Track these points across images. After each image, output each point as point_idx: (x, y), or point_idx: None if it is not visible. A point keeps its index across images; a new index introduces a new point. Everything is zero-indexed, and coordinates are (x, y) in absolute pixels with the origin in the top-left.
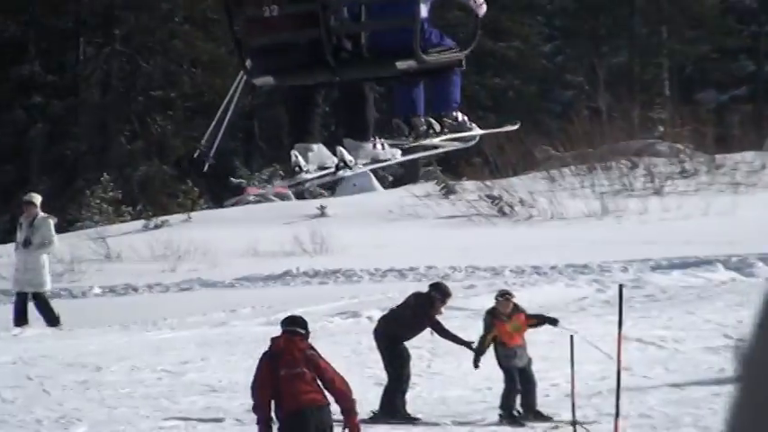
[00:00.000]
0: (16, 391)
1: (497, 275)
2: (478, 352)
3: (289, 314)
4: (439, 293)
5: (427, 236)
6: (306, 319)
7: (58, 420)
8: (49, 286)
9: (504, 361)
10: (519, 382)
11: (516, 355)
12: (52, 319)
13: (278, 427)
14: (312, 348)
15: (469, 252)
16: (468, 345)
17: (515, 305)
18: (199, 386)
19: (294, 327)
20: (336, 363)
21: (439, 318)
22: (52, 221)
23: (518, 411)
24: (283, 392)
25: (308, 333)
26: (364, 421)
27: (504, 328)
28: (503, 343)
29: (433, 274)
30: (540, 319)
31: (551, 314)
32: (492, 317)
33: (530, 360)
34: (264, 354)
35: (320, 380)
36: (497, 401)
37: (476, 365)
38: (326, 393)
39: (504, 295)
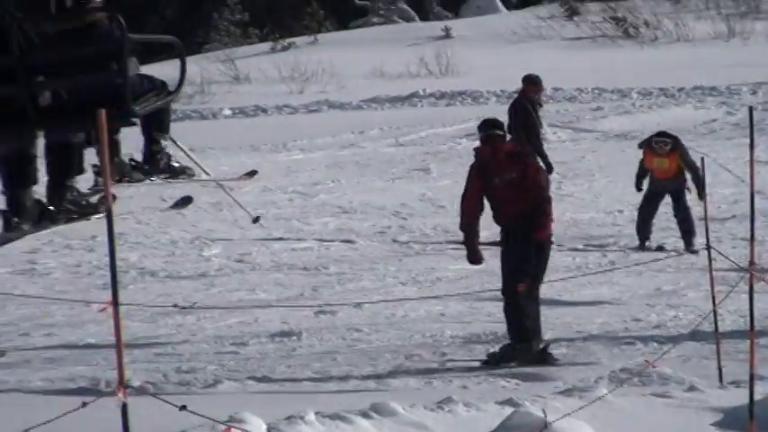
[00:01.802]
0: (151, 212)
1: (624, 97)
2: (638, 175)
3: (484, 118)
4: (525, 81)
5: (552, 58)
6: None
7: (193, 241)
8: None
9: (647, 189)
10: (674, 211)
11: (659, 188)
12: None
13: (500, 234)
14: (515, 147)
15: (595, 74)
16: (549, 166)
17: (675, 146)
18: (330, 207)
19: (494, 130)
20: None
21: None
22: None
23: (647, 238)
24: (500, 200)
25: (505, 133)
26: None
27: (651, 159)
28: (651, 171)
29: (560, 95)
30: (694, 176)
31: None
32: (646, 146)
33: (684, 191)
34: (472, 166)
35: (524, 178)
36: (628, 226)
37: (637, 188)
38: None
39: (660, 136)
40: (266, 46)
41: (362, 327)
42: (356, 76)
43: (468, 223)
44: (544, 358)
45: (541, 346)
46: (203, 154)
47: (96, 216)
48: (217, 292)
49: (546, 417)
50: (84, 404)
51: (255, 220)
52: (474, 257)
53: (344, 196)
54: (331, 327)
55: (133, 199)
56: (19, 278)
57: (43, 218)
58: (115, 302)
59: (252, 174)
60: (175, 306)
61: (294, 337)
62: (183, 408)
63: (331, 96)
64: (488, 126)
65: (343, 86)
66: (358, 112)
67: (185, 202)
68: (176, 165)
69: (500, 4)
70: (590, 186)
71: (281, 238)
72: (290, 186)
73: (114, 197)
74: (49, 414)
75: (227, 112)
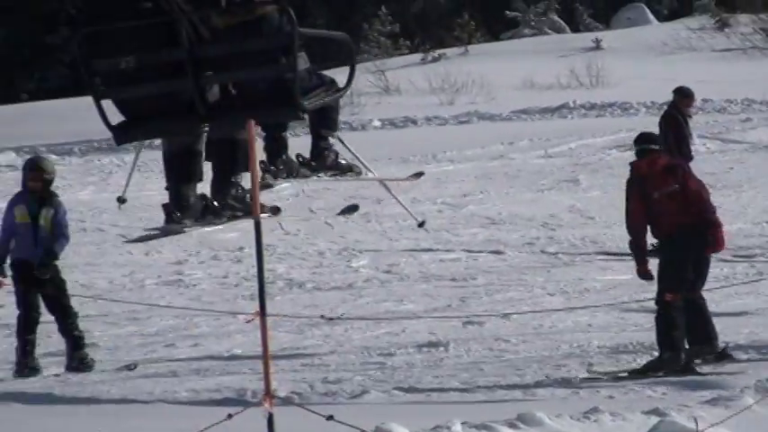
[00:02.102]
0: (299, 223)
1: None
2: None
3: (639, 132)
4: (676, 93)
5: (702, 69)
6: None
7: (341, 252)
8: None
9: None
10: None
11: None
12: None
13: (656, 247)
14: (671, 160)
15: (745, 85)
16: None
17: None
18: (479, 218)
19: (649, 144)
20: (614, 194)
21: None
22: None
23: None
24: (660, 213)
25: (660, 147)
26: None
27: None
28: None
29: (709, 107)
30: None
31: None
32: None
33: None
34: (629, 181)
35: (683, 190)
36: None
37: None
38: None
39: None
40: (417, 57)
41: (510, 337)
42: (506, 87)
43: (638, 242)
44: (691, 367)
45: (719, 350)
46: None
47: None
48: (364, 302)
49: (697, 426)
50: (230, 415)
51: (421, 224)
52: (645, 273)
53: (493, 207)
54: (478, 337)
55: (282, 211)
56: (165, 289)
57: (207, 213)
58: (262, 313)
59: (419, 175)
60: (322, 317)
61: (441, 348)
62: (330, 418)
63: (481, 108)
64: (643, 140)
65: (493, 98)
66: (508, 123)
67: (352, 209)
68: (343, 162)
69: (651, 16)
70: (738, 197)
71: (429, 249)
72: (439, 197)
73: (278, 209)
74: (195, 424)
75: (377, 123)
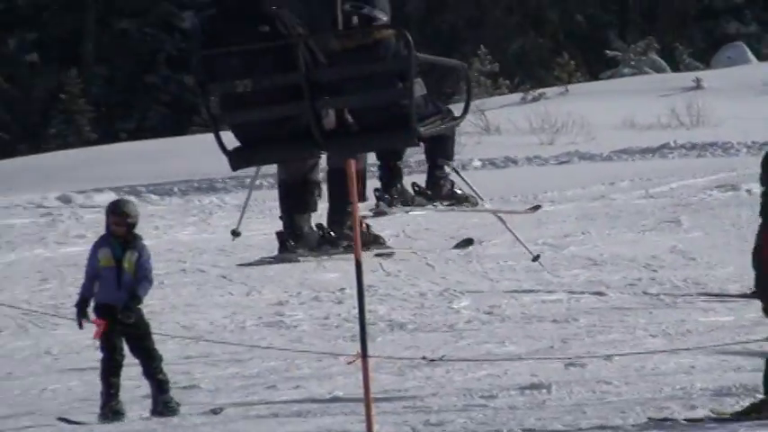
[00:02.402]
0: (400, 264)
1: None
2: None
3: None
4: None
5: None
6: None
7: (442, 293)
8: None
9: None
10: None
11: None
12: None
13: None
14: None
15: None
16: None
17: None
18: (580, 259)
19: None
20: (716, 236)
21: None
22: None
23: None
24: None
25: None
26: None
27: None
28: None
29: None
30: None
31: None
32: None
33: None
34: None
35: None
36: None
37: None
38: None
39: None
40: (516, 96)
41: (612, 379)
42: (606, 126)
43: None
44: None
45: None
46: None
47: (376, 248)
48: (465, 344)
49: None
50: None
51: (536, 258)
52: None
53: (595, 248)
54: (581, 379)
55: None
56: (266, 330)
57: (323, 242)
58: (364, 354)
59: (536, 207)
60: (424, 358)
61: (543, 390)
62: None
63: (581, 147)
64: None
65: (594, 137)
66: (608, 163)
67: (467, 243)
68: (459, 192)
69: (751, 55)
70: None
71: (530, 290)
72: (540, 238)
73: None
74: None
75: (477, 163)
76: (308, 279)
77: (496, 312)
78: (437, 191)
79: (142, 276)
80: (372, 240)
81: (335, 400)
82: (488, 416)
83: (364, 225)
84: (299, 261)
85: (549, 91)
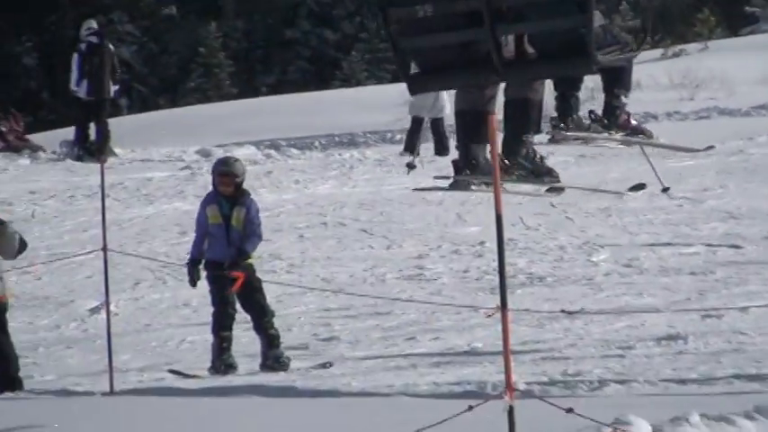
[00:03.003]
0: (540, 218)
1: None
2: None
3: None
4: None
5: None
6: None
7: (581, 246)
8: (447, 111)
9: None
10: None
11: None
12: (441, 148)
13: None
14: None
15: None
16: None
17: None
18: (718, 213)
19: None
20: None
21: None
22: None
23: None
24: None
25: None
26: None
27: None
28: None
29: None
30: None
31: None
32: None
33: None
34: None
35: None
36: None
37: None
38: None
39: None
40: (657, 52)
41: (748, 330)
42: (745, 82)
43: None
44: None
45: None
46: (594, 160)
47: (549, 180)
48: (604, 296)
49: None
50: (471, 407)
51: (665, 189)
52: None
53: (732, 202)
54: (716, 330)
55: (522, 205)
56: (406, 283)
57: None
58: (503, 307)
59: (710, 148)
60: (563, 311)
61: (680, 341)
62: (570, 410)
63: (720, 103)
64: None
65: (733, 93)
66: (747, 118)
67: (639, 187)
68: (635, 123)
69: None
70: None
71: (668, 243)
72: (679, 192)
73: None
74: (435, 417)
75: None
76: (449, 233)
77: (635, 265)
78: (613, 120)
79: (251, 232)
80: (545, 172)
81: (474, 351)
82: (625, 366)
83: (538, 156)
84: (472, 190)
85: (689, 47)
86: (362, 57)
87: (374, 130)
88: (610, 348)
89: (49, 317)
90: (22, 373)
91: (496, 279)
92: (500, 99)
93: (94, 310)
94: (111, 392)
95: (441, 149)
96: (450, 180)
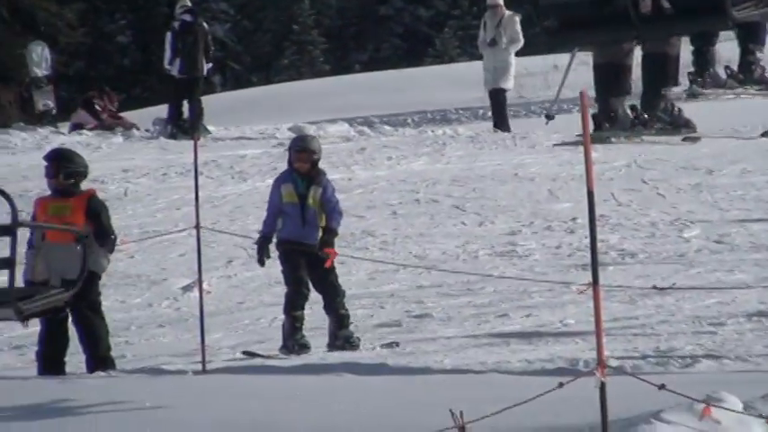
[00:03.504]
0: (631, 194)
1: None
2: None
3: None
4: None
5: None
6: None
7: (673, 223)
8: (510, 85)
9: None
10: None
11: None
12: (500, 121)
13: None
14: None
15: None
16: None
17: None
18: None
19: None
20: None
21: None
22: (518, 19)
23: None
24: None
25: None
26: None
27: None
28: None
29: None
30: None
31: None
32: None
33: None
34: None
35: None
36: None
37: None
38: None
39: None
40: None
41: None
42: None
43: None
44: None
45: None
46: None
47: (685, 131)
48: (695, 272)
49: None
50: (561, 384)
51: (765, 134)
52: None
53: None
54: None
55: (614, 181)
56: (498, 260)
57: (636, 124)
58: (595, 283)
59: None
60: (654, 287)
61: None
62: (662, 386)
63: None
64: None
65: None
66: None
67: None
68: None
69: None
70: None
71: (760, 219)
72: None
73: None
74: (527, 393)
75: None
76: (541, 209)
77: (726, 241)
78: (749, 75)
79: (331, 210)
80: (683, 124)
81: (566, 327)
82: (717, 342)
83: (676, 109)
84: (611, 142)
85: None
86: (455, 33)
87: (467, 106)
88: (701, 325)
89: (142, 295)
90: (114, 353)
91: (588, 255)
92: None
93: (187, 289)
94: (204, 371)
95: (500, 122)
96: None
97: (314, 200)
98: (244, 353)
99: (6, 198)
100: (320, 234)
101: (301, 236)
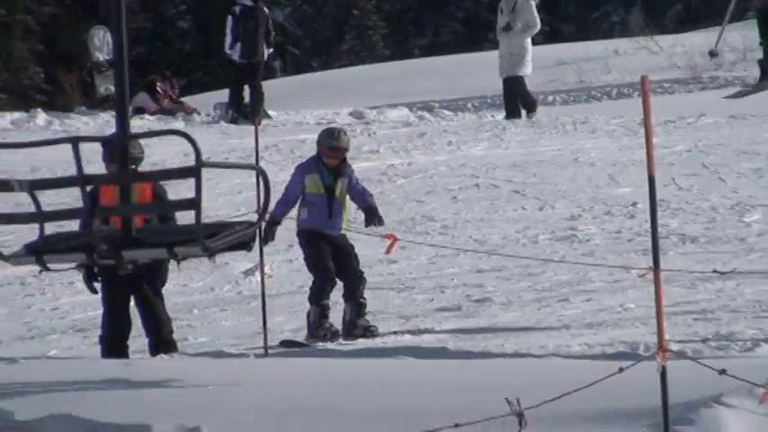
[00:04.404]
0: (692, 179)
1: None
2: None
3: None
4: None
5: None
6: None
7: (733, 207)
8: (528, 71)
9: None
10: None
11: None
12: (529, 104)
13: None
14: None
15: None
16: None
17: None
18: None
19: None
20: None
21: None
22: (534, 3)
23: None
24: None
25: None
26: None
27: None
28: None
29: None
30: None
31: None
32: None
33: None
34: None
35: None
36: None
37: None
38: None
39: None
40: None
41: None
42: None
43: None
44: None
45: None
46: (744, 120)
47: None
48: (756, 257)
49: None
50: (621, 369)
51: None
52: None
53: None
54: None
55: (674, 166)
56: (559, 244)
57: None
58: (656, 268)
59: None
60: (715, 271)
61: None
62: (723, 371)
63: None
64: None
65: None
66: None
67: None
68: None
69: None
70: None
71: None
72: None
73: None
74: (587, 378)
75: None
76: (601, 194)
77: None
78: None
79: (362, 192)
80: None
81: (627, 312)
82: None
83: None
84: None
85: None
86: None
87: None
88: (762, 309)
89: (204, 279)
90: (176, 336)
91: (649, 240)
92: None
93: (248, 272)
94: (266, 354)
95: (512, 111)
96: (757, 83)
97: (341, 193)
98: (281, 343)
99: (190, 141)
100: (344, 224)
101: (328, 226)
